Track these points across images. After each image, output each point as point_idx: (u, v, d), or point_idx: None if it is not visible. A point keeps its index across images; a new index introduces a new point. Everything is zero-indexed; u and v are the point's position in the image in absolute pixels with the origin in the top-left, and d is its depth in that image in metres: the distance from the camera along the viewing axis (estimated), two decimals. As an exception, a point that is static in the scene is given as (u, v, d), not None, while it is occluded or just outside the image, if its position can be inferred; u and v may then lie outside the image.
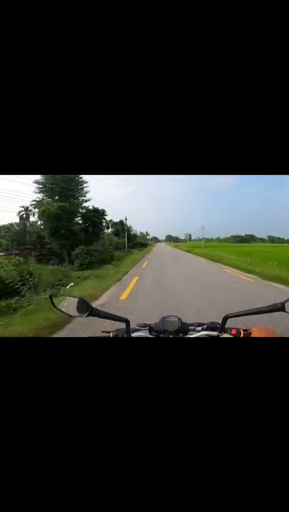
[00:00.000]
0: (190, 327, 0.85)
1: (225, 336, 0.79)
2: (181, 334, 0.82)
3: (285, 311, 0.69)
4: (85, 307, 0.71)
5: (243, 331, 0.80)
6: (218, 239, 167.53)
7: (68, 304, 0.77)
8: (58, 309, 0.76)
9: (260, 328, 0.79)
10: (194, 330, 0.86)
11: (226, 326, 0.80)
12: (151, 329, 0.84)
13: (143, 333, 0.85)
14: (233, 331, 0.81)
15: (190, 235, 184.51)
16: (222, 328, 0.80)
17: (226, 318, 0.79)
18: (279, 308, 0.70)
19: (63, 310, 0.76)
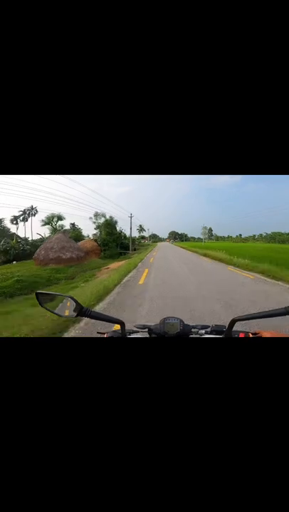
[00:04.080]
0: (192, 329, 0.79)
1: None
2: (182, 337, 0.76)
3: None
4: (76, 307, 0.65)
5: (252, 334, 0.75)
6: (238, 237, 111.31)
7: (57, 303, 0.71)
8: (45, 308, 0.70)
9: (271, 332, 0.74)
10: (197, 333, 0.80)
11: (234, 330, 0.75)
12: (150, 331, 0.78)
13: (140, 336, 0.80)
14: (241, 335, 0.75)
15: (210, 229, 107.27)
16: (229, 331, 0.75)
17: (233, 322, 0.73)
18: None
19: (50, 309, 0.70)
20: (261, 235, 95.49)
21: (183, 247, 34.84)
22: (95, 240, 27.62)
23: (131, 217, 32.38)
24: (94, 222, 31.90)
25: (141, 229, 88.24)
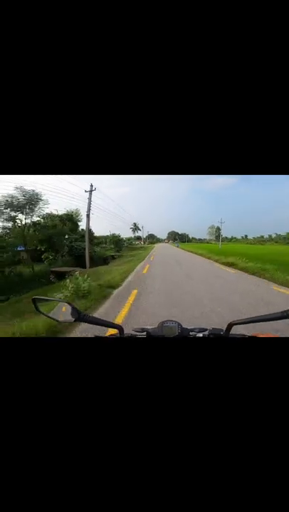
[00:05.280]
0: (190, 333, 0.79)
1: None
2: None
3: None
4: (73, 312, 0.65)
5: (250, 337, 0.76)
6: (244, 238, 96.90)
7: (55, 308, 0.71)
8: (42, 313, 0.70)
9: (267, 334, 0.74)
10: (195, 336, 0.80)
11: (231, 333, 0.75)
12: (148, 335, 0.78)
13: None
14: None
15: (218, 228, 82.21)
16: (226, 334, 0.75)
17: (230, 325, 0.73)
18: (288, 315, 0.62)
19: (48, 314, 0.70)
20: (271, 236, 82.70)
21: (197, 254, 19.23)
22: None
23: (91, 191, 15.55)
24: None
25: (135, 228, 75.54)
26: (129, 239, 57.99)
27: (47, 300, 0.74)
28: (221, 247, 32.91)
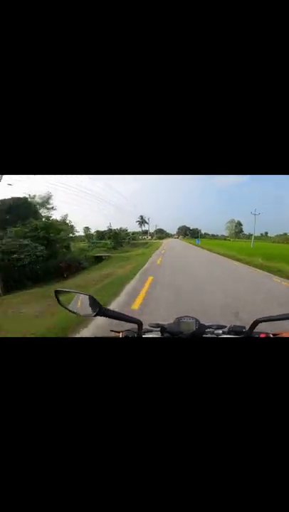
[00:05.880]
0: (207, 329, 0.77)
1: None
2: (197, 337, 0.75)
3: None
4: (94, 306, 0.65)
5: (273, 335, 0.73)
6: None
7: (76, 302, 0.72)
8: (64, 306, 0.71)
9: None
10: (213, 333, 0.78)
11: (255, 331, 0.72)
12: (163, 330, 0.77)
13: (155, 335, 0.79)
14: (262, 335, 0.73)
15: (238, 223, 72.97)
16: (250, 331, 0.72)
17: (256, 323, 0.71)
18: None
19: (69, 308, 0.71)
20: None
21: (230, 257, 12.79)
22: None
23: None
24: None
25: (142, 221, 65.93)
26: (133, 233, 48.17)
27: (69, 292, 0.75)
28: (253, 246, 24.06)
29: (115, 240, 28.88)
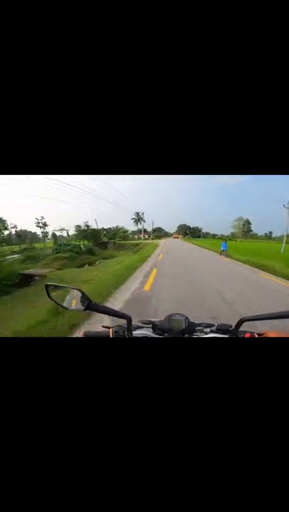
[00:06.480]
0: (197, 327, 0.79)
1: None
2: (186, 335, 0.77)
3: None
4: (83, 300, 0.65)
5: (258, 335, 0.74)
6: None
7: (64, 296, 0.72)
8: (53, 300, 0.72)
9: (278, 332, 0.73)
10: (202, 331, 0.80)
11: (241, 329, 0.74)
12: (154, 326, 0.79)
13: (145, 331, 0.81)
14: (247, 335, 0.75)
15: (247, 221, 73.55)
16: (236, 330, 0.74)
17: (241, 321, 0.72)
18: None
19: (58, 301, 0.71)
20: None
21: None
22: None
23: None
24: None
25: (138, 218, 59.58)
26: (124, 231, 43.89)
27: (59, 287, 0.75)
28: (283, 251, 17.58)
29: (95, 240, 23.04)
